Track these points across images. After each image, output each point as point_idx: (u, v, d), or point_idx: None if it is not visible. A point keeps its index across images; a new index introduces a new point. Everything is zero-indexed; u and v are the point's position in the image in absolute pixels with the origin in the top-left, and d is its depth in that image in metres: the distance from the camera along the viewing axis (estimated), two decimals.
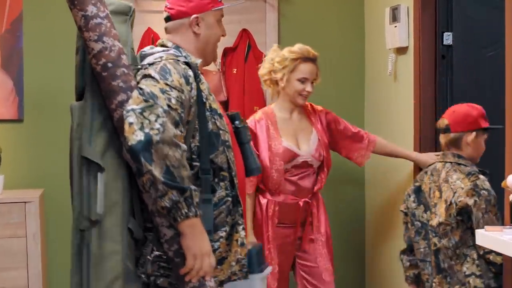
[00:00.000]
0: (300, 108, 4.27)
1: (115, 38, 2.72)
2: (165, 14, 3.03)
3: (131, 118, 2.54)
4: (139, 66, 2.82)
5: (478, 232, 3.17)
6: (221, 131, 2.86)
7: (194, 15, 2.97)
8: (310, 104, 4.39)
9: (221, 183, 2.85)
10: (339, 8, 5.39)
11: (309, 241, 4.23)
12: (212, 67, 5.13)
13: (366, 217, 5.33)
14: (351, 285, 5.32)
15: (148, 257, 2.74)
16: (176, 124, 2.63)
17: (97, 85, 2.73)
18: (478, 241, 3.17)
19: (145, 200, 2.70)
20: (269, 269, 3.41)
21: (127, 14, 2.87)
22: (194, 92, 2.79)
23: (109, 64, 2.70)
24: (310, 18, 5.36)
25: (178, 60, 2.81)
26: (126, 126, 2.55)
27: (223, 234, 2.82)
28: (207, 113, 2.82)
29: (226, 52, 5.16)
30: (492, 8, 4.27)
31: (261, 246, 3.48)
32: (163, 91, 2.65)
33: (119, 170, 2.68)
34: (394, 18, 4.65)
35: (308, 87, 4.16)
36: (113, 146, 2.68)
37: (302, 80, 4.14)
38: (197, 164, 2.77)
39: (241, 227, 2.89)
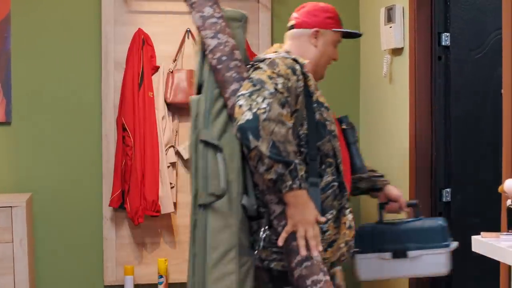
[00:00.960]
0: None
1: (229, 35, 3.04)
2: (290, 23, 3.36)
3: (240, 101, 2.81)
4: (251, 64, 3.08)
5: (474, 239, 3.07)
6: (327, 122, 3.07)
7: (316, 28, 3.27)
8: None
9: (328, 169, 3.05)
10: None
11: None
12: None
13: (361, 222, 5.25)
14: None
15: (261, 235, 2.96)
16: (282, 105, 2.84)
17: (213, 78, 3.03)
18: (474, 248, 3.07)
19: (256, 181, 2.95)
20: (455, 244, 3.54)
21: (240, 20, 3.15)
22: (300, 83, 3.00)
23: (224, 57, 3.01)
24: None
25: (287, 57, 3.05)
26: (237, 109, 2.81)
27: (331, 217, 3.02)
28: (314, 105, 3.04)
29: None
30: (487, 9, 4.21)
31: (446, 221, 3.60)
32: (270, 77, 2.89)
33: (234, 152, 2.94)
34: (389, 19, 4.57)
35: None
36: (228, 130, 2.96)
37: None
38: (305, 150, 3.00)
39: (347, 210, 3.10)
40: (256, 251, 2.97)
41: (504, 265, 3.27)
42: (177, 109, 5.04)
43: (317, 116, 3.05)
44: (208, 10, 3.06)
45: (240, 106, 2.80)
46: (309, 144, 3.00)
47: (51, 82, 4.96)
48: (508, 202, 3.06)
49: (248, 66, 3.08)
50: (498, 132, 3.54)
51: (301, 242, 2.87)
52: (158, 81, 4.99)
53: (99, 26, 4.98)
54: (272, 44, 4.93)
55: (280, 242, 2.90)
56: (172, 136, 4.99)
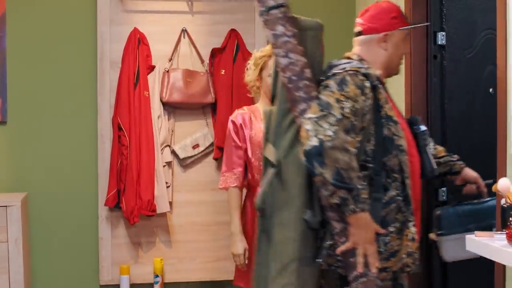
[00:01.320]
0: None
1: (300, 53, 3.10)
2: (357, 29, 3.32)
3: (308, 125, 2.89)
4: (323, 78, 3.13)
5: (468, 238, 3.07)
6: (395, 137, 3.09)
7: (384, 33, 3.24)
8: None
9: (393, 184, 3.07)
10: (330, 8, 5.31)
11: None
12: (199, 68, 5.05)
13: None
14: None
15: (324, 245, 3.08)
16: (347, 131, 2.91)
17: (285, 93, 3.12)
18: (468, 247, 3.07)
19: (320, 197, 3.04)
20: None
21: (316, 30, 3.28)
22: (369, 102, 3.03)
23: (293, 77, 3.07)
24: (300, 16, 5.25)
25: (358, 72, 3.06)
26: (303, 132, 2.90)
27: (393, 229, 3.05)
28: (382, 120, 3.07)
29: (214, 53, 5.07)
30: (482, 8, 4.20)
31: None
32: (338, 101, 2.94)
33: (300, 168, 3.02)
34: None
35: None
36: (295, 147, 3.07)
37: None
38: (371, 165, 3.04)
39: (411, 223, 3.10)
40: (321, 259, 3.09)
41: (498, 264, 3.26)
42: (173, 109, 5.04)
43: (385, 131, 3.08)
44: (280, 29, 3.12)
45: (307, 130, 2.88)
46: (375, 159, 3.05)
47: (46, 82, 4.95)
48: (502, 201, 3.06)
49: (320, 79, 3.13)
50: (489, 131, 3.55)
51: (360, 260, 2.99)
52: (153, 80, 4.98)
53: (94, 25, 4.97)
54: (267, 44, 4.96)
55: (339, 251, 3.02)
56: (168, 135, 4.98)
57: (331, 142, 2.84)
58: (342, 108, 2.92)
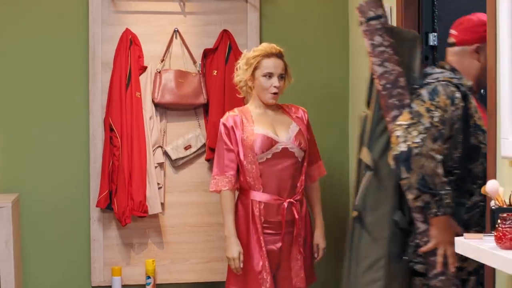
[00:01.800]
0: (275, 106, 4.21)
1: (395, 63, 3.29)
2: (450, 40, 3.46)
3: (398, 132, 3.11)
4: (417, 86, 3.30)
5: (457, 240, 3.05)
6: (482, 145, 3.24)
7: (476, 44, 3.37)
8: (291, 105, 4.34)
9: (477, 190, 3.20)
10: (323, 9, 5.29)
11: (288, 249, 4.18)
12: (192, 68, 5.03)
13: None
14: None
15: (410, 243, 3.34)
16: (434, 139, 3.10)
17: (379, 100, 3.33)
18: (457, 249, 3.05)
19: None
20: None
21: (413, 40, 3.46)
22: (458, 112, 3.20)
23: (388, 85, 3.28)
24: (292, 18, 5.26)
25: (450, 82, 3.24)
26: (394, 138, 3.12)
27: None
28: (471, 129, 3.23)
29: (206, 53, 5.05)
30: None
31: None
32: (428, 110, 3.14)
33: (391, 171, 3.25)
34: None
35: (275, 82, 4.09)
36: (387, 151, 3.31)
37: (268, 75, 4.10)
38: (457, 172, 3.23)
39: None
40: (408, 257, 3.34)
41: (488, 267, 3.25)
42: (165, 109, 5.03)
43: (473, 140, 3.25)
44: (377, 39, 3.31)
45: (397, 136, 3.10)
46: (462, 166, 3.24)
47: (38, 82, 4.94)
48: (492, 203, 3.04)
49: (414, 88, 3.30)
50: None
51: (440, 259, 3.21)
52: (145, 81, 4.97)
53: (86, 26, 4.96)
54: (260, 44, 4.93)
55: (422, 251, 3.27)
56: (159, 136, 4.97)
57: (418, 149, 3.05)
58: (431, 117, 3.11)
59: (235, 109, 4.22)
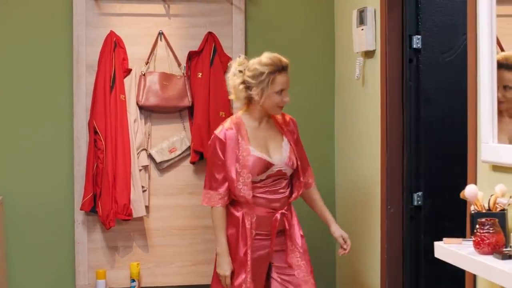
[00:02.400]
0: (268, 117, 4.06)
1: None
2: None
3: None
4: None
5: (437, 245, 3.05)
6: None
7: None
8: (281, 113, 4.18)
9: None
10: (308, 11, 5.28)
11: (285, 251, 4.05)
12: (176, 71, 5.02)
13: None
14: None
15: None
16: None
17: None
18: (436, 254, 3.05)
19: None
20: None
21: None
22: None
23: None
24: (278, 21, 5.25)
25: None
26: None
27: None
28: None
29: (191, 56, 5.03)
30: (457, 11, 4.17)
31: None
32: None
33: None
34: (361, 21, 4.54)
35: (286, 97, 3.94)
36: None
37: (280, 92, 3.91)
38: None
39: None
40: None
41: (469, 272, 3.24)
42: (150, 112, 5.01)
43: None
44: None
45: None
46: None
47: (22, 85, 4.92)
48: (472, 208, 3.04)
49: None
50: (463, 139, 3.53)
51: None
52: (130, 84, 4.95)
53: (70, 28, 4.94)
54: (245, 47, 4.95)
55: None
56: (144, 139, 4.96)
57: None
58: None
59: (229, 122, 3.99)
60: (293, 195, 4.05)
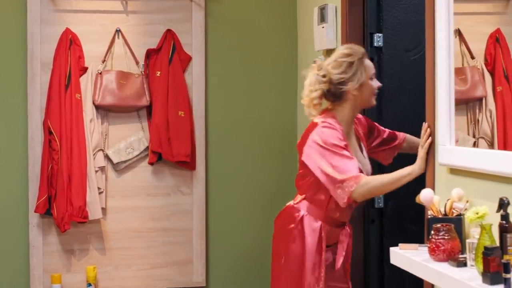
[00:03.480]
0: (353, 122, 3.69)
1: None
2: None
3: None
4: None
5: (392, 251, 2.97)
6: None
7: None
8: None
9: None
10: (270, 7, 5.19)
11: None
12: (134, 69, 4.91)
13: None
14: None
15: None
16: None
17: None
18: (392, 260, 2.96)
19: None
20: None
21: None
22: None
23: None
24: (240, 18, 5.15)
25: None
26: None
27: None
28: None
29: (149, 54, 4.92)
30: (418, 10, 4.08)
31: None
32: None
33: None
34: (322, 19, 4.45)
35: (378, 82, 3.61)
36: None
37: (372, 78, 3.58)
38: None
39: None
40: None
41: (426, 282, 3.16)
42: (106, 112, 4.89)
43: None
44: None
45: None
46: None
47: None
48: (429, 212, 2.95)
49: None
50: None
51: None
52: (86, 82, 4.83)
53: (24, 25, 4.80)
54: (206, 45, 4.85)
55: None
56: (101, 139, 4.83)
57: None
58: None
59: (336, 122, 3.52)
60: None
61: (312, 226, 3.52)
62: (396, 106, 4.20)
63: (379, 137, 3.81)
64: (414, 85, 4.12)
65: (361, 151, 3.66)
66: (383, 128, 3.83)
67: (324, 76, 3.52)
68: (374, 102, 3.60)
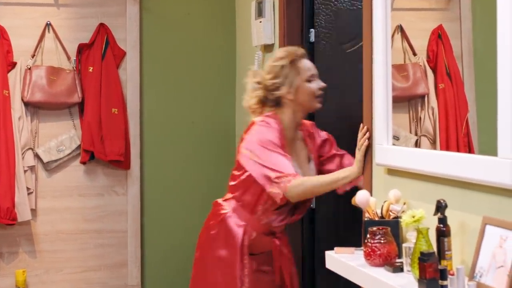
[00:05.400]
0: (298, 126, 3.52)
1: None
2: None
3: None
4: None
5: (328, 254, 2.85)
6: None
7: None
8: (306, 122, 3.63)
9: None
10: (208, 2, 5.08)
11: None
12: (66, 65, 4.75)
13: None
14: None
15: None
16: None
17: None
18: (328, 264, 2.85)
19: None
20: None
21: None
22: None
23: None
24: (177, 12, 5.02)
25: None
26: None
27: None
28: None
29: (82, 48, 4.76)
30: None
31: None
32: None
33: None
34: (260, 13, 4.33)
35: (321, 83, 3.45)
36: None
37: (310, 79, 3.42)
38: None
39: None
40: None
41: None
42: (36, 109, 4.72)
43: None
44: None
45: None
46: None
47: None
48: (367, 215, 2.85)
49: None
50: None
51: None
52: (14, 78, 4.65)
53: None
54: (141, 40, 4.70)
55: None
56: (30, 137, 4.66)
57: None
58: None
59: (275, 123, 3.38)
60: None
61: (234, 228, 3.39)
62: (331, 104, 4.06)
63: (328, 156, 3.61)
64: (351, 81, 3.97)
65: (308, 162, 3.51)
66: (338, 149, 3.61)
67: (259, 82, 3.44)
68: (317, 104, 3.45)
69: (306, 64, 3.44)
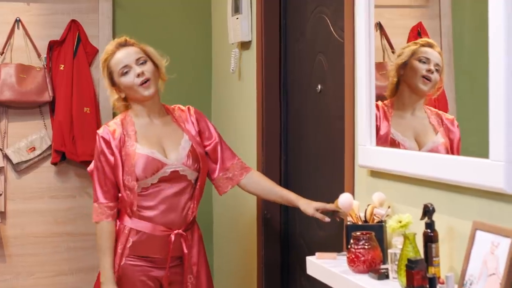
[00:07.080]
0: (162, 112, 3.47)
1: None
2: None
3: None
4: None
5: (309, 260, 2.74)
6: None
7: None
8: (178, 107, 3.58)
9: None
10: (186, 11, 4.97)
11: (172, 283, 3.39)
12: (36, 62, 4.62)
13: None
14: None
15: None
16: None
17: None
18: (309, 270, 2.74)
19: None
20: None
21: None
22: None
23: None
24: (151, 8, 4.90)
25: None
26: None
27: None
28: None
29: (52, 46, 4.63)
30: None
31: None
32: None
33: None
34: (237, 9, 4.22)
35: (137, 69, 3.32)
36: None
37: (125, 72, 3.31)
38: None
39: None
40: None
41: None
42: (5, 108, 4.59)
43: None
44: None
45: None
46: None
47: None
48: (349, 219, 2.74)
49: None
50: (320, 136, 3.36)
51: None
52: None
53: None
54: (113, 37, 4.58)
55: None
56: None
57: None
58: None
59: (118, 119, 3.39)
60: (190, 212, 3.38)
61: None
62: (293, 103, 3.96)
63: (209, 144, 3.49)
64: (302, 78, 3.83)
65: (182, 138, 3.41)
66: (223, 144, 3.52)
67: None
68: (144, 93, 3.33)
69: (118, 56, 3.35)
